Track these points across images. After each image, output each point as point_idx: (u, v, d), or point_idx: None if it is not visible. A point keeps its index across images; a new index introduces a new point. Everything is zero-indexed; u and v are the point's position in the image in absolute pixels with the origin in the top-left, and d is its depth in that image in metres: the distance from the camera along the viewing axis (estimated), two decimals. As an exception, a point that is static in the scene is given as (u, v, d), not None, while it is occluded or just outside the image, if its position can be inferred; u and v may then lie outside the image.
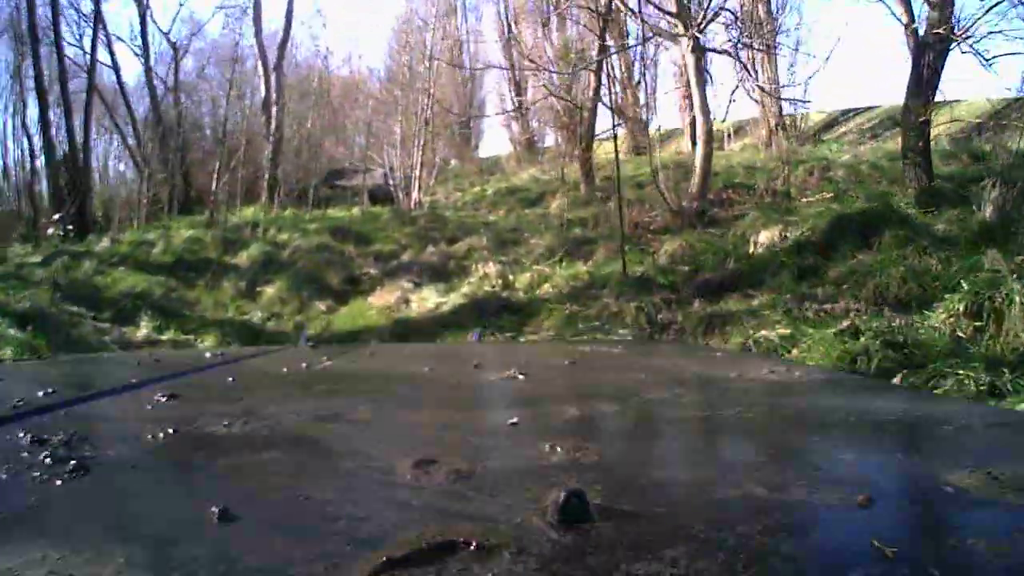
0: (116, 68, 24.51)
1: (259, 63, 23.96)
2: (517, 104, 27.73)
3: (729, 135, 21.40)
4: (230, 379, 2.36)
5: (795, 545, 0.90)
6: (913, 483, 1.14)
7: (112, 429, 1.60)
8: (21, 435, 1.42)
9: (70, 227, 17.44)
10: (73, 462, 1.24)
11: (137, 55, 25.42)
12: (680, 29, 13.02)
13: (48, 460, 1.27)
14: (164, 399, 1.85)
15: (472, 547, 0.87)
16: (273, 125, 23.14)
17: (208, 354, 2.90)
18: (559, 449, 1.32)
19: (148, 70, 25.07)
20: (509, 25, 27.61)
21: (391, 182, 21.19)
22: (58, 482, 1.17)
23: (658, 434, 1.69)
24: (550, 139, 28.42)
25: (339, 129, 26.52)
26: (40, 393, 1.91)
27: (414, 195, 19.74)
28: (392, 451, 1.39)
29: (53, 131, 21.02)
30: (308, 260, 14.36)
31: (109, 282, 13.73)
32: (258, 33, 23.95)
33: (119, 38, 25.33)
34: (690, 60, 13.15)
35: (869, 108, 22.34)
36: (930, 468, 1.20)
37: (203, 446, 1.45)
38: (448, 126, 26.81)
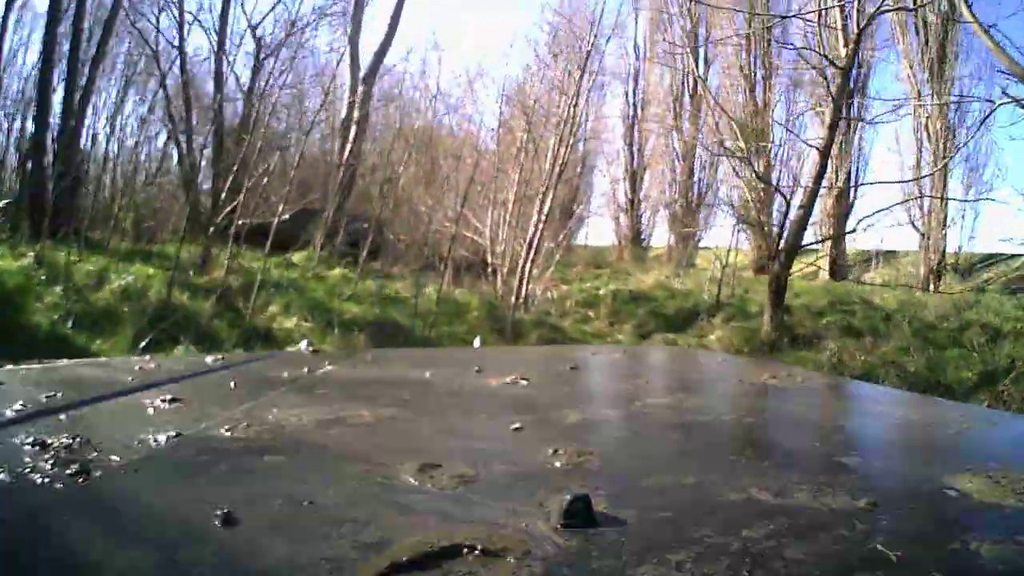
0: (182, 52, 18.73)
1: (348, 69, 19.55)
2: (629, 198, 25.28)
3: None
4: (232, 384, 2.34)
5: (799, 549, 0.89)
6: (916, 487, 1.14)
7: (114, 433, 1.57)
8: (24, 439, 1.42)
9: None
10: (76, 466, 1.24)
11: (209, 41, 19.68)
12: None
13: (51, 464, 1.27)
14: (166, 403, 1.85)
15: (477, 551, 0.87)
16: (348, 149, 18.70)
17: (209, 359, 2.92)
18: (562, 454, 1.32)
19: (220, 58, 19.24)
20: (635, 108, 25.75)
21: (489, 258, 16.97)
22: (61, 486, 1.17)
23: (661, 439, 1.68)
24: (657, 237, 26.38)
25: (432, 182, 20.70)
26: (42, 397, 1.91)
27: (524, 286, 14.90)
28: (395, 455, 1.38)
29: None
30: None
31: None
32: (355, 32, 19.83)
33: (195, 18, 18.98)
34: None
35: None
36: (932, 472, 1.20)
37: (206, 450, 1.44)
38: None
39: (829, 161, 12.75)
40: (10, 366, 2.48)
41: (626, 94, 26.05)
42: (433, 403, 2.11)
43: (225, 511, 0.99)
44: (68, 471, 1.22)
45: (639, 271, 21.03)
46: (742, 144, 13.86)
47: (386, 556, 0.85)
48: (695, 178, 23.94)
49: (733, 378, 2.40)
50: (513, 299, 14.51)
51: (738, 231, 18.47)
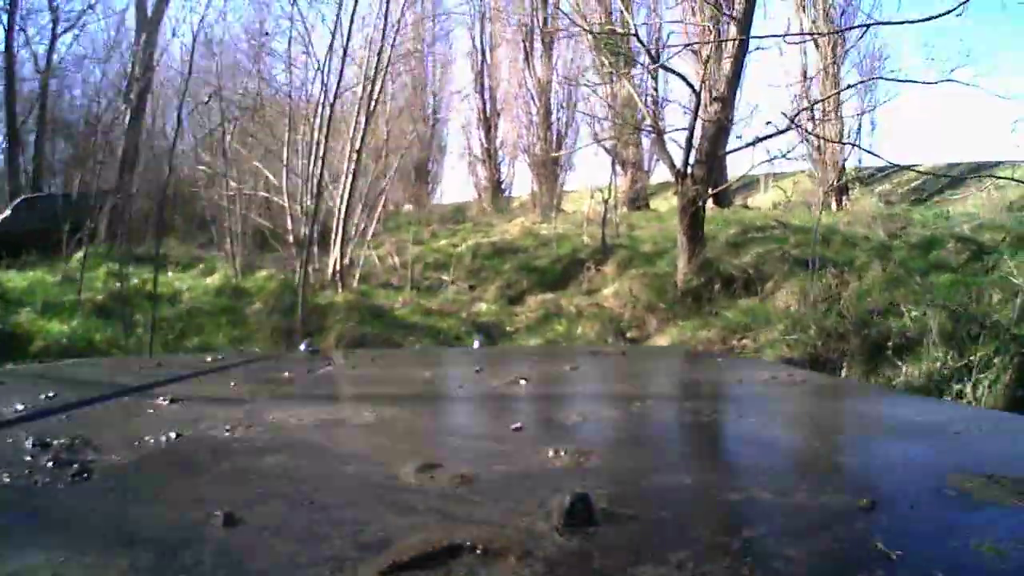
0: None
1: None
2: (485, 147, 23.59)
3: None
4: (232, 384, 2.37)
5: (799, 548, 0.90)
6: (916, 486, 1.15)
7: (114, 433, 1.58)
8: (24, 439, 1.42)
9: None
10: (76, 466, 1.24)
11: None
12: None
13: (51, 464, 1.27)
14: (166, 403, 1.86)
15: (477, 551, 0.87)
16: (127, 116, 16.34)
17: (209, 358, 2.89)
18: (563, 453, 1.33)
19: (10, 35, 17.05)
20: (483, 52, 24.53)
21: (290, 224, 13.64)
22: (61, 486, 1.17)
23: (662, 438, 1.70)
24: (520, 187, 25.49)
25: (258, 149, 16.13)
26: (42, 397, 1.91)
27: (333, 254, 12.46)
28: (395, 455, 1.39)
29: None
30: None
31: None
32: None
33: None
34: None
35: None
36: (932, 471, 1.21)
37: (206, 450, 1.44)
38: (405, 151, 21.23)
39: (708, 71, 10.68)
40: (10, 365, 2.35)
41: (472, 38, 24.91)
42: (433, 403, 2.13)
43: (225, 511, 0.99)
44: (68, 471, 1.22)
45: (503, 222, 19.42)
46: (606, 60, 12.13)
47: (387, 556, 0.85)
48: (554, 117, 22.87)
49: (733, 377, 2.41)
50: (334, 268, 12.44)
51: (614, 163, 17.06)
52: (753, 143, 10.25)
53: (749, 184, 18.83)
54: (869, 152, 14.60)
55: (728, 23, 10.65)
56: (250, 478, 1.26)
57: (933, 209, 15.55)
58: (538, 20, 21.66)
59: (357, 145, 12.96)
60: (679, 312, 10.06)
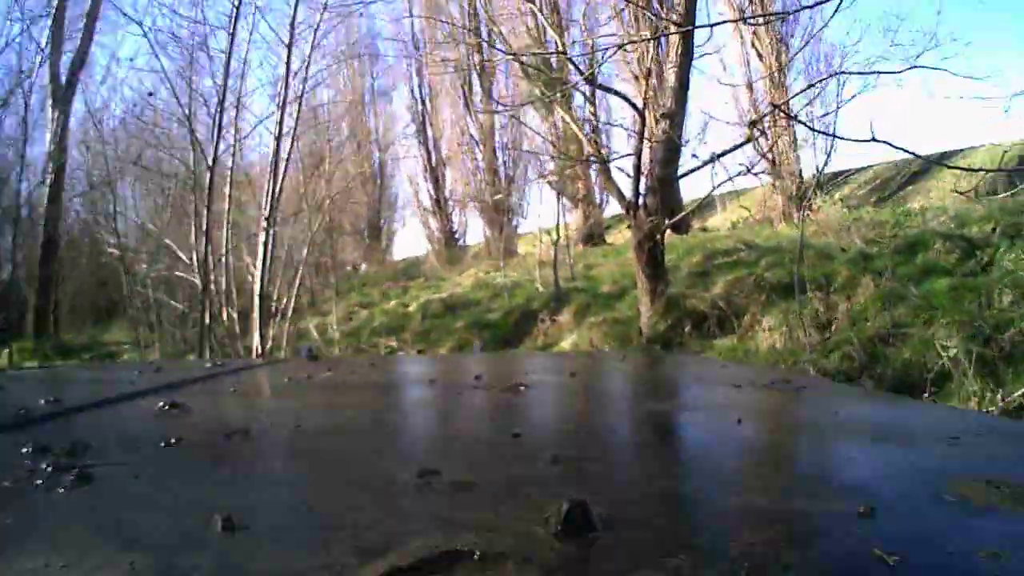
0: None
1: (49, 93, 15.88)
2: (434, 198, 22.64)
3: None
4: (232, 389, 2.37)
5: (797, 554, 0.90)
6: (914, 492, 1.15)
7: (114, 438, 1.59)
8: (24, 444, 1.42)
9: None
10: (76, 471, 1.24)
11: None
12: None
13: (51, 469, 1.27)
14: (166, 408, 1.86)
15: (476, 557, 0.88)
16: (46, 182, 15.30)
17: (209, 364, 2.86)
18: (561, 460, 1.33)
19: None
20: (423, 102, 23.79)
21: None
22: (61, 491, 1.18)
23: (660, 444, 1.70)
24: (474, 235, 23.87)
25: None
26: (42, 402, 1.92)
27: (254, 340, 10.77)
28: (395, 461, 1.40)
29: None
30: None
31: None
32: (57, 46, 16.23)
33: None
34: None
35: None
36: (931, 477, 1.21)
37: (206, 455, 1.45)
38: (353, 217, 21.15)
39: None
40: (11, 371, 2.32)
41: (411, 90, 24.29)
42: (433, 409, 2.13)
43: (224, 516, 0.99)
44: (67, 475, 1.22)
45: (455, 274, 18.14)
46: (540, 90, 10.54)
47: (385, 562, 0.85)
48: (499, 161, 22.15)
49: (731, 383, 2.41)
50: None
51: (561, 201, 15.84)
52: (711, 160, 9.16)
53: (704, 205, 18.55)
54: (854, 141, 12.31)
55: (666, 27, 9.49)
56: (249, 483, 1.26)
57: (900, 207, 14.47)
58: (473, 62, 21.66)
59: (266, 212, 11.40)
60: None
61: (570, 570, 0.87)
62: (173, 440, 1.48)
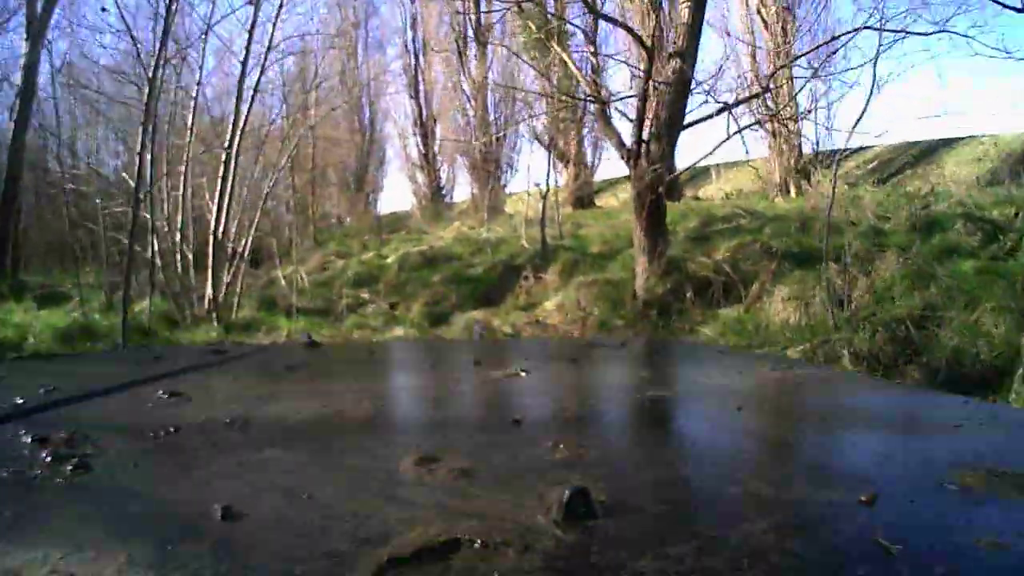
0: None
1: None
2: (423, 152, 21.75)
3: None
4: (231, 377, 2.38)
5: (799, 542, 0.90)
6: (915, 481, 1.14)
7: (114, 427, 1.58)
8: (23, 433, 1.42)
9: None
10: (75, 460, 1.24)
11: None
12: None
13: (49, 458, 1.26)
14: (165, 397, 1.86)
15: (477, 544, 0.87)
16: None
17: (209, 352, 2.86)
18: (562, 447, 1.33)
19: None
20: (416, 56, 22.76)
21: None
22: (60, 480, 1.17)
23: (661, 432, 1.70)
24: (461, 192, 22.90)
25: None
26: (41, 391, 1.91)
27: (207, 287, 9.77)
28: (395, 449, 1.38)
29: None
30: None
31: None
32: None
33: None
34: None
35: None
36: (932, 465, 1.21)
37: (205, 444, 1.44)
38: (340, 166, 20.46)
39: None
40: (11, 360, 2.29)
41: (405, 43, 23.14)
42: (433, 396, 2.12)
43: (224, 505, 0.99)
44: (67, 465, 1.22)
45: (439, 229, 16.75)
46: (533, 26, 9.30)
47: (386, 550, 0.85)
48: (491, 117, 21.15)
49: (732, 372, 2.41)
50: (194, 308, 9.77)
51: (552, 154, 15.52)
52: (726, 108, 8.13)
53: (696, 175, 18.21)
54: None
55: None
56: (249, 472, 1.26)
57: (901, 189, 13.42)
58: (470, 21, 21.10)
59: (230, 143, 10.23)
60: (642, 329, 7.93)
61: (571, 558, 0.86)
62: (172, 429, 1.48)
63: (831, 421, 1.67)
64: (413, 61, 23.39)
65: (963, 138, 15.17)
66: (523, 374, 2.25)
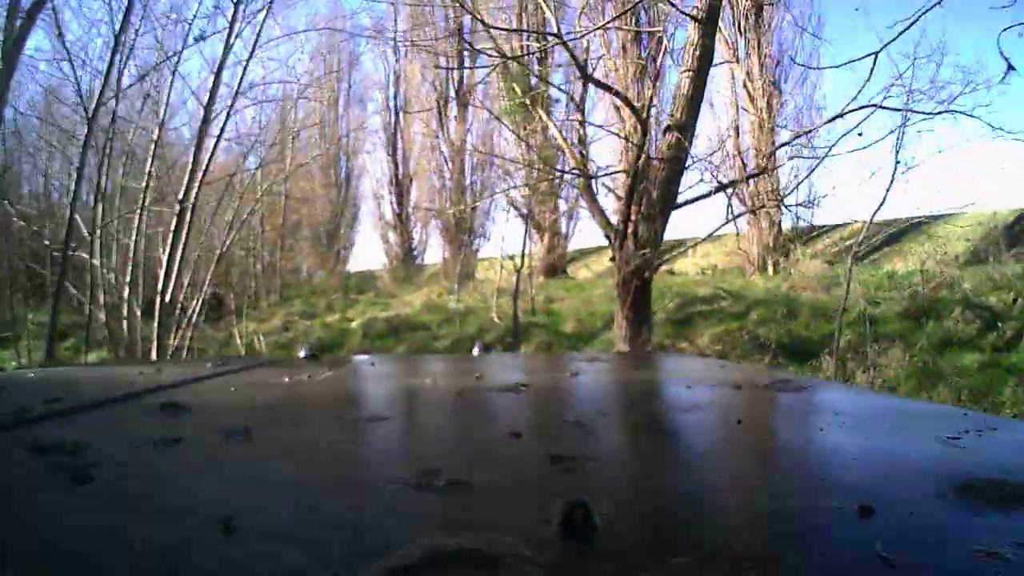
0: None
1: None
2: (397, 212, 22.17)
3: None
4: (232, 389, 2.37)
5: (798, 554, 0.91)
6: (915, 491, 1.15)
7: (114, 438, 1.58)
8: (23, 444, 1.41)
9: None
10: (74, 471, 1.23)
11: None
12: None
13: (49, 469, 1.26)
14: (166, 408, 1.85)
15: (476, 558, 0.87)
16: None
17: (209, 364, 2.86)
18: (562, 459, 1.33)
19: None
20: (396, 114, 23.75)
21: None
22: (59, 491, 1.17)
23: (661, 444, 1.70)
24: (433, 254, 23.64)
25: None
26: (42, 401, 1.90)
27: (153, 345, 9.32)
28: (395, 461, 1.39)
29: None
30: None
31: None
32: None
33: None
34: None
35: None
36: (931, 476, 1.21)
37: (205, 455, 1.44)
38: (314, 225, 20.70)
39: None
40: (11, 370, 2.31)
41: (387, 99, 24.33)
42: (433, 409, 2.13)
43: (224, 517, 0.98)
44: (66, 476, 1.21)
45: (408, 292, 17.14)
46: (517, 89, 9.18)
47: (386, 562, 0.85)
48: (468, 181, 22.14)
49: (732, 383, 2.42)
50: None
51: (528, 225, 15.54)
52: (730, 185, 7.90)
53: (668, 249, 18.13)
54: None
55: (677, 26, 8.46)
56: (249, 483, 1.26)
57: (882, 269, 14.16)
58: (453, 81, 21.36)
59: (180, 194, 9.70)
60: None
61: (571, 571, 0.87)
62: (173, 440, 1.48)
63: (830, 432, 1.68)
64: (392, 118, 24.25)
65: (943, 216, 15.53)
66: (524, 388, 2.26)
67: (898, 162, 8.27)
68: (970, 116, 7.49)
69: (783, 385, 2.35)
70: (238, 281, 13.60)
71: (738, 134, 16.09)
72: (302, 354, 3.58)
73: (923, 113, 7.75)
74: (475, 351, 4.94)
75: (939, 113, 7.58)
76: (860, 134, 7.71)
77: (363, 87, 25.22)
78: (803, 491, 1.19)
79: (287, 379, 2.57)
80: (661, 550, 0.92)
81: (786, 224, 17.71)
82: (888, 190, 8.91)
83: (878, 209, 8.52)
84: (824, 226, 18.62)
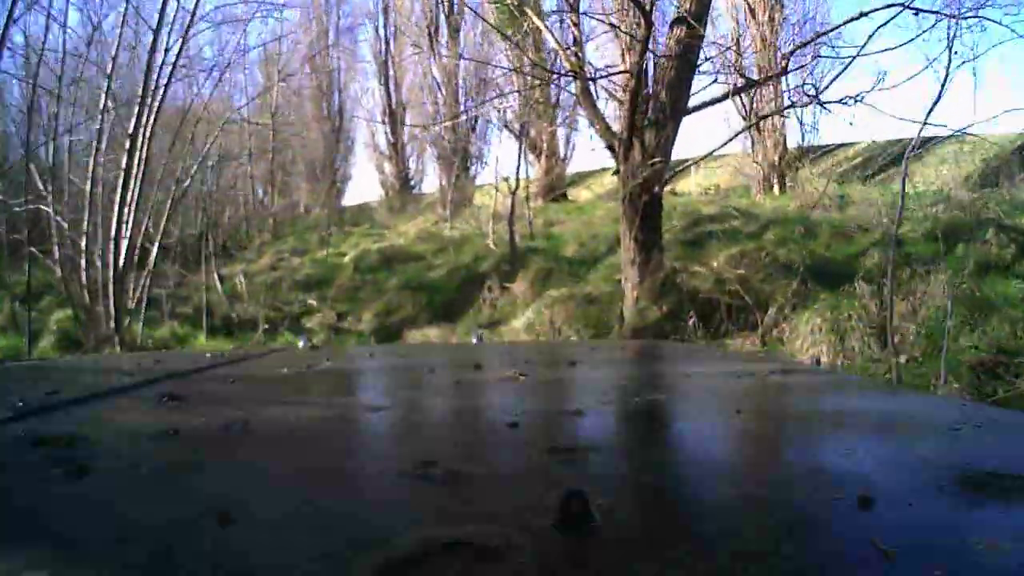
0: None
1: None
2: (392, 142, 21.83)
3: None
4: (231, 380, 2.38)
5: (796, 545, 0.90)
6: (914, 483, 1.15)
7: (113, 430, 1.58)
8: (22, 436, 1.42)
9: None
10: (73, 464, 1.23)
11: None
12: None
13: (46, 462, 1.26)
14: (165, 400, 1.86)
15: (473, 548, 0.87)
16: None
17: (208, 355, 2.89)
18: (560, 450, 1.32)
19: None
20: (387, 43, 23.38)
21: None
22: (56, 484, 1.17)
23: (660, 434, 1.70)
24: (431, 183, 23.38)
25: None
26: (40, 394, 1.90)
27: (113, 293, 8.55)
28: (392, 451, 1.40)
29: None
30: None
31: None
32: None
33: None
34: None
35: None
36: (931, 468, 1.21)
37: (204, 447, 1.44)
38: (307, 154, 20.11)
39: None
40: (8, 363, 2.34)
41: (376, 28, 23.80)
42: (431, 398, 2.13)
43: (221, 509, 0.98)
44: (64, 468, 1.21)
45: (404, 223, 16.41)
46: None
47: (383, 553, 0.84)
48: (462, 105, 21.23)
49: (733, 372, 2.42)
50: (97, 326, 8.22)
51: (523, 144, 14.72)
52: (747, 87, 6.89)
53: (670, 167, 17.56)
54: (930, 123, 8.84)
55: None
56: (247, 475, 1.26)
57: (890, 186, 12.95)
58: (443, 6, 20.85)
59: (135, 128, 9.02)
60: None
61: (569, 562, 0.86)
62: (172, 432, 1.48)
63: (829, 423, 1.68)
64: (384, 47, 23.61)
65: (946, 137, 15.15)
66: (522, 377, 2.25)
67: (954, 52, 7.73)
68: (998, 24, 7.26)
69: (783, 375, 2.35)
70: (232, 219, 13.22)
71: (738, 46, 15.53)
72: (301, 345, 3.62)
73: (949, 16, 7.32)
74: (474, 339, 4.94)
75: (966, 17, 7.27)
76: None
77: (353, 17, 24.74)
78: (802, 481, 1.19)
79: (285, 370, 2.58)
80: (659, 540, 0.92)
81: (792, 143, 17.27)
82: (944, 86, 8.22)
83: (934, 106, 7.87)
84: (828, 145, 18.15)
